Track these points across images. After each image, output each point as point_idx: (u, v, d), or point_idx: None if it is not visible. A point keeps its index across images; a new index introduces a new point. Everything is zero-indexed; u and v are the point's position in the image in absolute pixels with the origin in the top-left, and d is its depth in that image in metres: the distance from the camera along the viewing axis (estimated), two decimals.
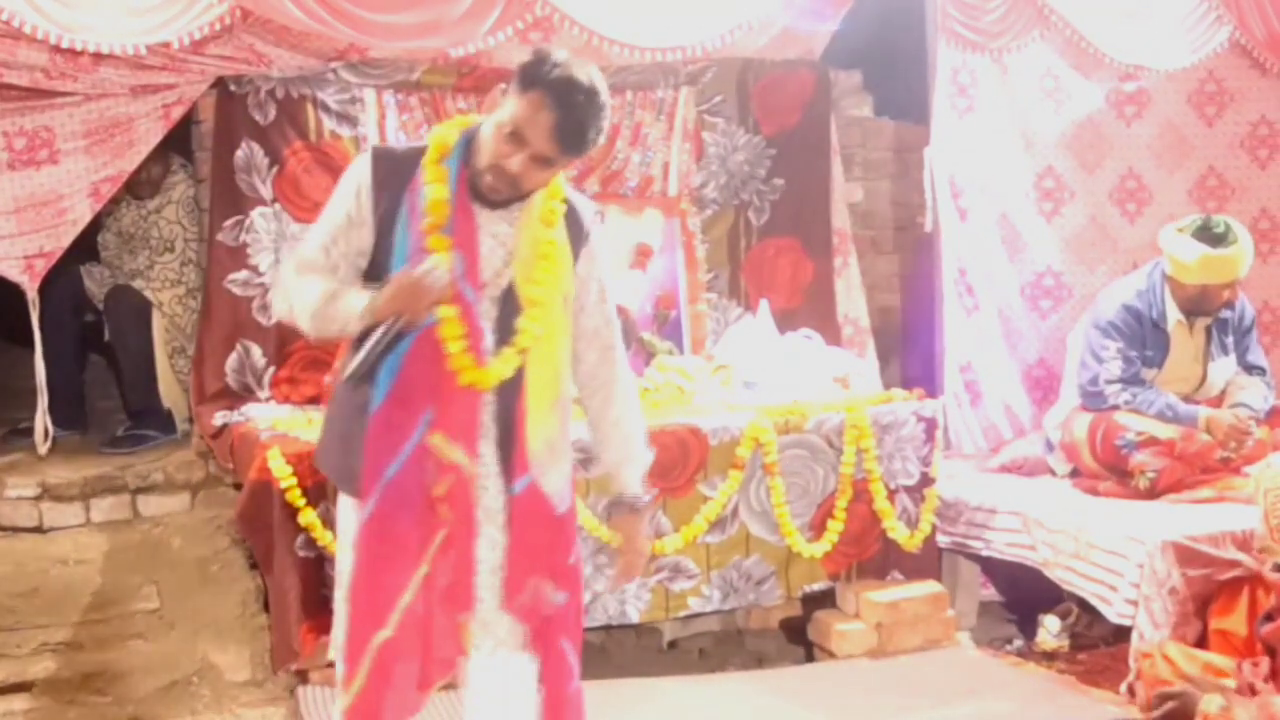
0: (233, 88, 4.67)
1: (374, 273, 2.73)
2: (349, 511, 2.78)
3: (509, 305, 2.73)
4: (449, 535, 2.70)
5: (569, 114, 2.57)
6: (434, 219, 2.67)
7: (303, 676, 4.07)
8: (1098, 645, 4.54)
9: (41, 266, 4.54)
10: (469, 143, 2.71)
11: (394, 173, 2.71)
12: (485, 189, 2.68)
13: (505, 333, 2.72)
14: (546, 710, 2.83)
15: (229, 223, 4.69)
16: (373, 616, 2.68)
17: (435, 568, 2.71)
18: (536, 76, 2.58)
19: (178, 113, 4.59)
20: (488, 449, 2.75)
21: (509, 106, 2.61)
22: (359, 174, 2.75)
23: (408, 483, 2.67)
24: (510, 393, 2.73)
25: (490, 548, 2.76)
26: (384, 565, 2.68)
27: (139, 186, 4.99)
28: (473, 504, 2.72)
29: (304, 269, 2.76)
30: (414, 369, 2.66)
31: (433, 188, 2.68)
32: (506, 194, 2.69)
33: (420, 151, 2.74)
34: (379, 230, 2.72)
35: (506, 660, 2.82)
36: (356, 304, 2.66)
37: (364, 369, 2.65)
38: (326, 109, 4.76)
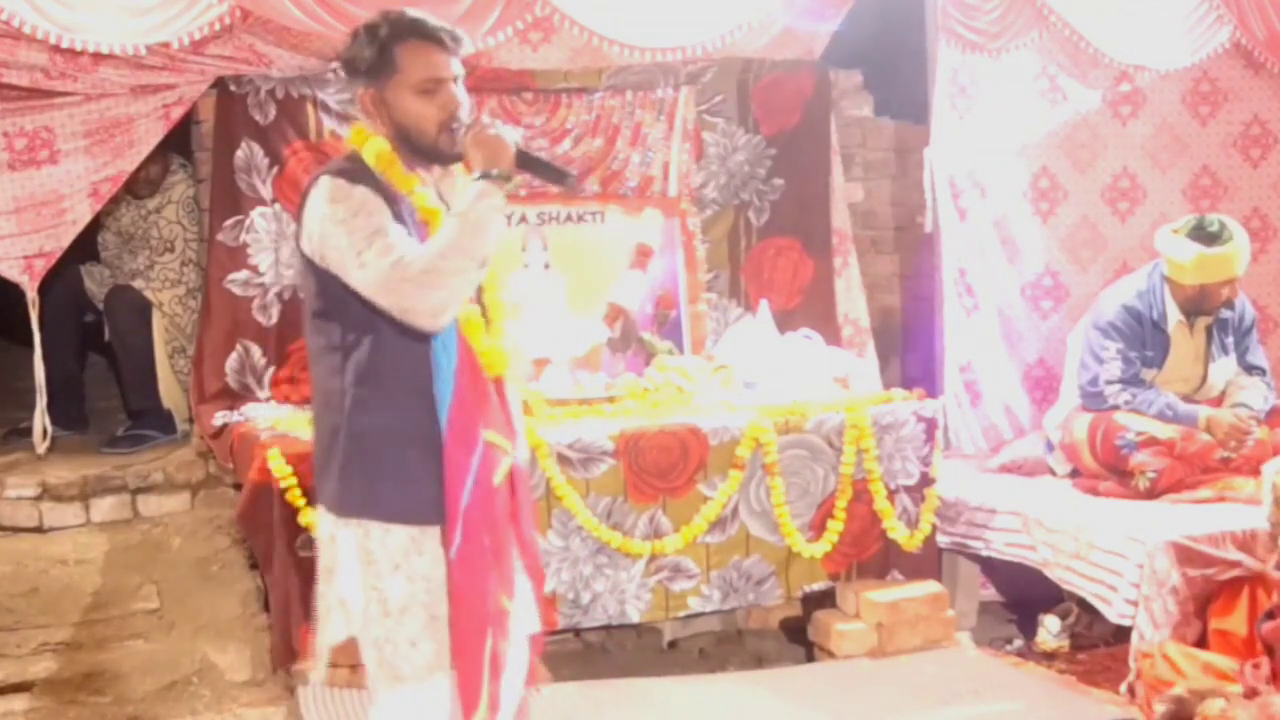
0: (233, 88, 4.67)
1: None
2: (390, 538, 2.65)
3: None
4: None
5: (435, 30, 2.66)
6: (435, 223, 2.66)
7: (303, 676, 4.07)
8: (1098, 645, 4.55)
9: (41, 266, 4.55)
10: (405, 140, 2.68)
11: (375, 185, 2.65)
12: (449, 147, 2.67)
13: (485, 310, 2.74)
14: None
15: (229, 223, 4.70)
16: (482, 629, 2.65)
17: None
18: (388, 38, 2.64)
19: (178, 113, 4.60)
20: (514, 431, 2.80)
21: (399, 78, 2.64)
22: (356, 190, 2.60)
23: (482, 491, 2.65)
24: None
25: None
26: (483, 580, 2.66)
27: (139, 186, 4.99)
28: (517, 490, 2.76)
29: (417, 256, 2.57)
30: (464, 378, 2.64)
31: (418, 195, 2.68)
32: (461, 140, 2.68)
33: (364, 165, 2.66)
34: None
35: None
36: (473, 190, 2.58)
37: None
38: (326, 109, 4.76)
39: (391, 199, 2.63)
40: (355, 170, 2.66)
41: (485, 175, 2.60)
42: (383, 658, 2.66)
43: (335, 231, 2.58)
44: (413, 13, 2.68)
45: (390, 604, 2.64)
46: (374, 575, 2.65)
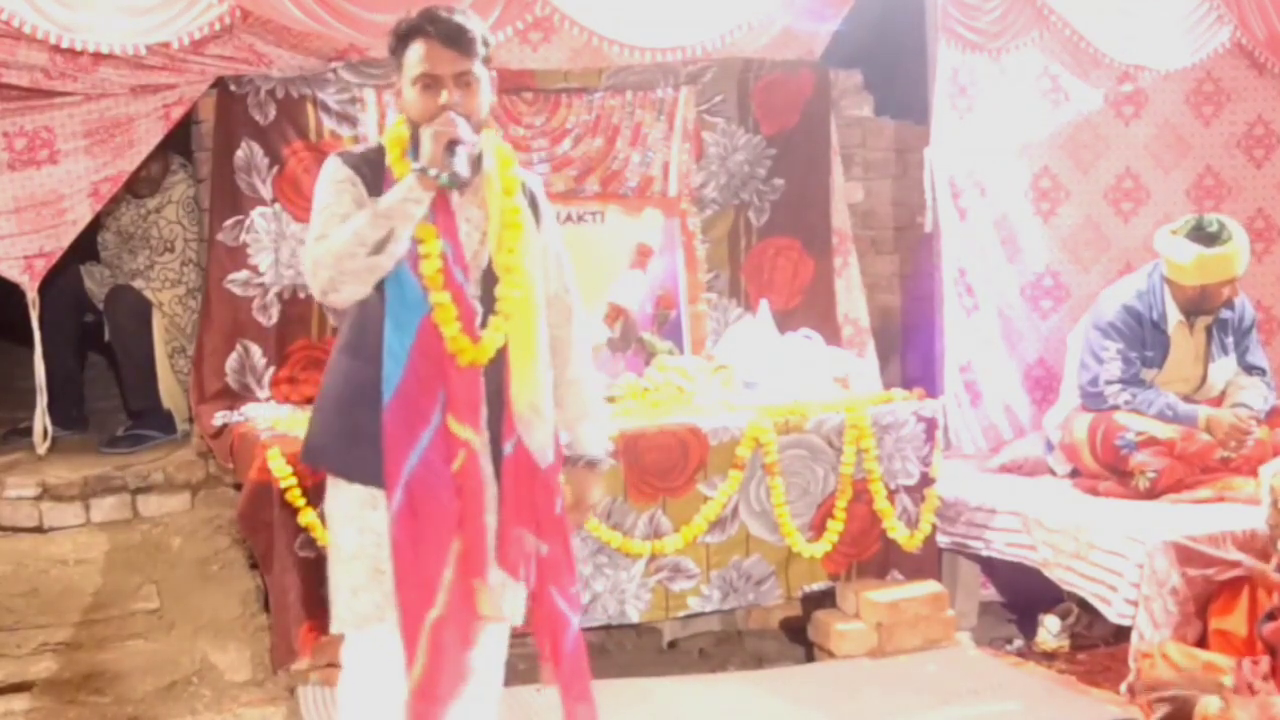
0: (233, 88, 4.67)
1: None
2: (350, 493, 2.85)
3: (489, 278, 2.85)
4: (464, 507, 2.80)
5: (443, 26, 2.78)
6: None
7: (303, 676, 4.07)
8: (1098, 645, 4.55)
9: (41, 266, 4.55)
10: (414, 131, 2.83)
11: (369, 170, 2.83)
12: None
13: (490, 304, 2.84)
14: (545, 655, 2.96)
15: (229, 223, 4.70)
16: (423, 598, 2.77)
17: (462, 541, 2.81)
18: (401, 34, 2.82)
19: (178, 113, 4.60)
20: (485, 421, 2.85)
21: (403, 73, 2.82)
22: (342, 171, 2.84)
23: (434, 464, 2.77)
24: (497, 360, 2.84)
25: (492, 515, 2.86)
26: (424, 548, 2.77)
27: (139, 185, 4.99)
28: (481, 476, 2.82)
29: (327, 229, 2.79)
30: (421, 356, 2.76)
31: None
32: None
33: (378, 151, 2.88)
34: None
35: (489, 630, 2.93)
36: (404, 183, 2.73)
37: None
38: (326, 109, 4.76)
39: (379, 183, 2.80)
40: (360, 153, 2.89)
41: (423, 171, 2.71)
42: (333, 600, 2.88)
43: (315, 200, 2.86)
44: (440, 11, 2.80)
45: (341, 551, 2.84)
46: (332, 523, 2.87)
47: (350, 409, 2.84)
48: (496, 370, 2.84)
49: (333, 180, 2.83)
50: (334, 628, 2.90)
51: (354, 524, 2.83)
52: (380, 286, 2.77)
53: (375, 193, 2.79)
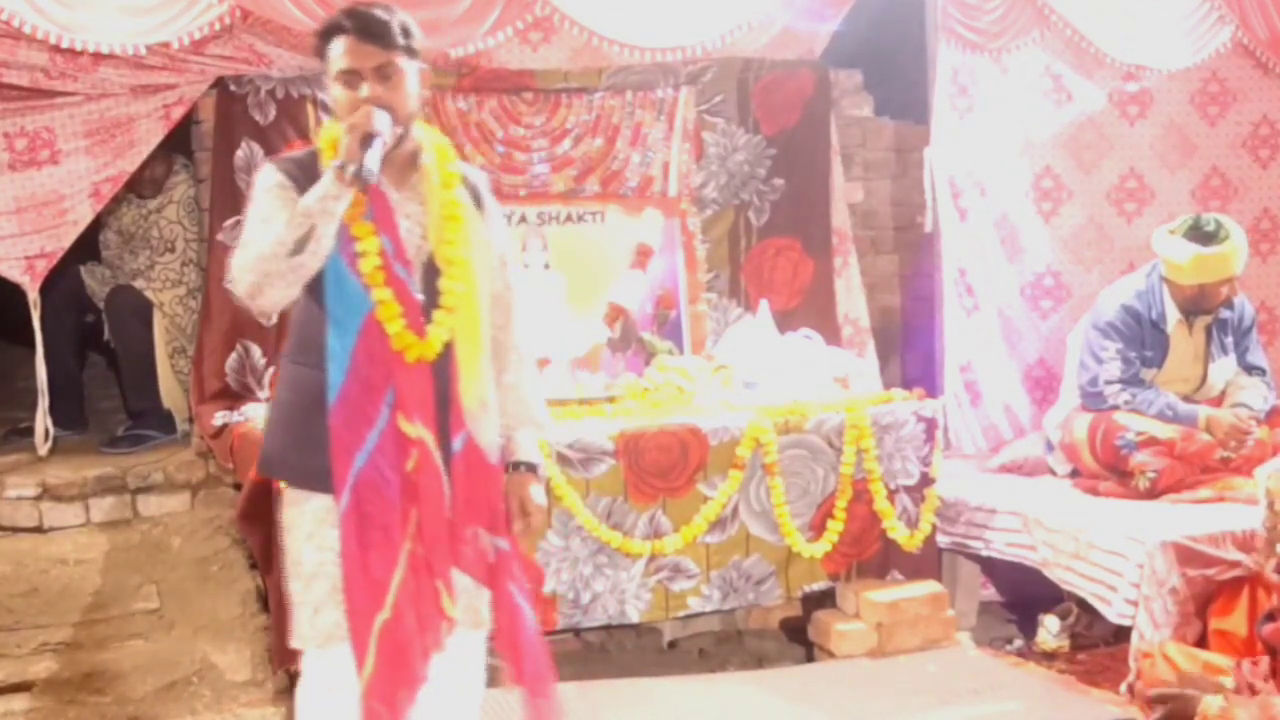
0: (233, 88, 4.67)
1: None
2: (307, 506, 2.82)
3: (432, 273, 2.83)
4: (421, 510, 2.77)
5: (359, 20, 2.76)
6: (354, 208, 2.74)
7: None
8: (1098, 645, 4.54)
9: (42, 267, 4.55)
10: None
11: (303, 174, 2.78)
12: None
13: (434, 299, 2.81)
14: (505, 654, 2.93)
15: (229, 223, 4.69)
16: (370, 601, 2.74)
17: (415, 544, 2.78)
18: (322, 33, 2.80)
19: (178, 113, 4.60)
20: (436, 418, 2.82)
21: (330, 69, 2.78)
22: (274, 178, 2.80)
23: (381, 466, 2.74)
24: (443, 356, 2.82)
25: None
26: (372, 550, 2.74)
27: (141, 185, 5.00)
28: (439, 474, 2.79)
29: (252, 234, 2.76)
30: (364, 356, 2.75)
31: None
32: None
33: (312, 155, 2.84)
34: None
35: (462, 635, 2.90)
36: (322, 181, 2.68)
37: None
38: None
39: (312, 184, 2.74)
40: (295, 161, 2.85)
41: (340, 167, 2.67)
42: (294, 618, 2.84)
43: (249, 208, 2.82)
44: (354, 9, 2.79)
45: (302, 568, 2.81)
46: (292, 539, 2.83)
47: (299, 416, 2.81)
48: (443, 364, 2.82)
49: (264, 188, 2.80)
50: (295, 644, 2.87)
51: (313, 541, 2.80)
52: (321, 290, 2.74)
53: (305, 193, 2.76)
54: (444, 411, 2.81)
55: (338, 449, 2.73)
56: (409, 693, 2.77)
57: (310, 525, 2.80)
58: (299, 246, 2.65)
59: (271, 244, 2.66)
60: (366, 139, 2.67)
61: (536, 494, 3.02)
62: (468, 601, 2.88)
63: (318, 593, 2.79)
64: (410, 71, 2.80)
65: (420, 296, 2.79)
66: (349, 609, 2.75)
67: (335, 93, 2.79)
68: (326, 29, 2.79)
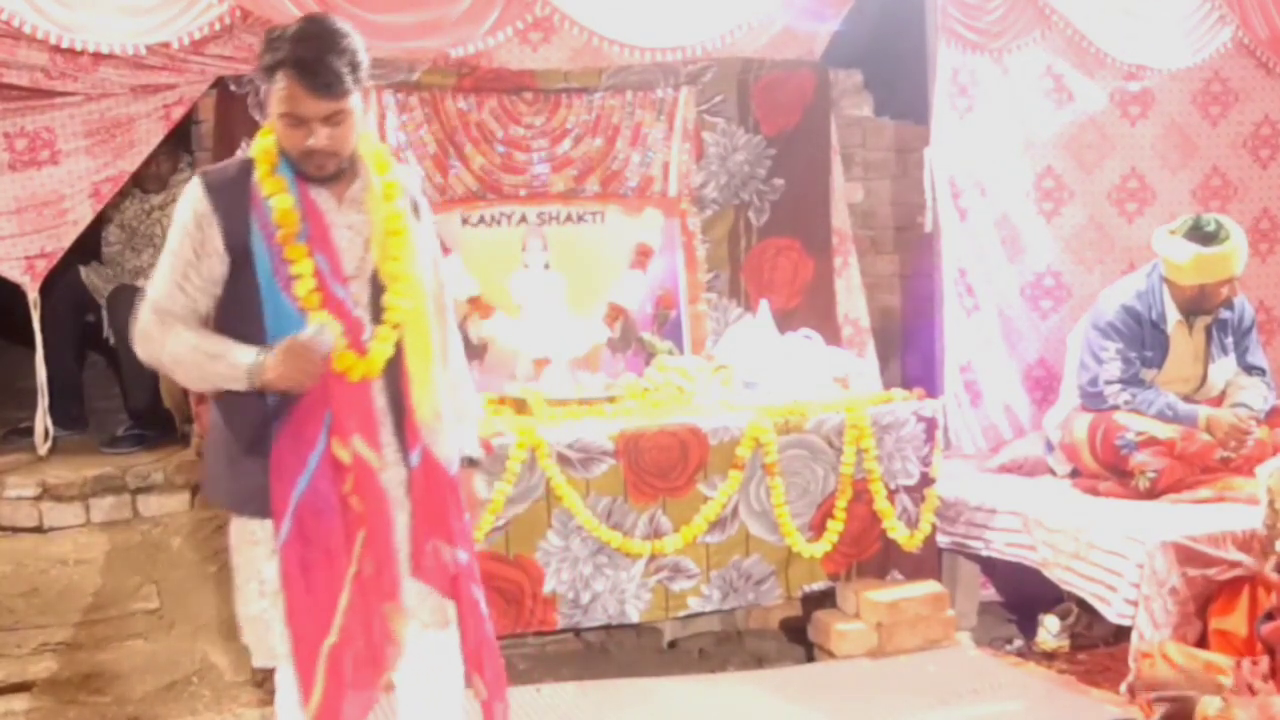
0: (233, 88, 4.67)
1: (239, 295, 2.75)
2: (251, 532, 2.79)
3: (375, 287, 2.79)
4: (367, 532, 2.75)
5: (309, 70, 2.62)
6: (287, 229, 2.71)
7: None
8: (1098, 645, 4.54)
9: (43, 267, 4.55)
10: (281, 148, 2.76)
11: (230, 193, 2.73)
12: (315, 172, 2.73)
13: (377, 313, 2.79)
14: (466, 651, 2.90)
15: None
16: (316, 626, 2.71)
17: (362, 564, 2.76)
18: (269, 62, 2.67)
19: (178, 113, 4.60)
20: (386, 435, 2.80)
21: (273, 99, 2.69)
22: (196, 204, 2.74)
23: (322, 489, 2.71)
24: (394, 370, 2.79)
25: (403, 528, 2.83)
26: (316, 575, 2.71)
27: (147, 181, 5.02)
28: (382, 494, 2.77)
29: (166, 317, 2.75)
30: None
31: (277, 199, 2.72)
32: (336, 166, 2.73)
33: (248, 164, 2.77)
34: (233, 255, 2.74)
35: (433, 640, 2.89)
36: (237, 367, 2.68)
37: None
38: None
39: (250, 206, 2.71)
40: (226, 175, 2.78)
41: (255, 375, 2.66)
42: (259, 636, 2.80)
43: (171, 229, 2.80)
44: (308, 44, 2.65)
45: (266, 586, 2.76)
46: (256, 557, 2.78)
47: (236, 441, 2.77)
48: (394, 378, 2.79)
49: (184, 221, 2.75)
50: (266, 662, 2.85)
51: (276, 558, 2.74)
52: (256, 312, 2.71)
53: (234, 214, 2.71)
54: (401, 427, 2.79)
55: (278, 473, 2.69)
56: (360, 718, 2.75)
57: (274, 543, 2.75)
58: (193, 382, 2.75)
59: (172, 369, 2.75)
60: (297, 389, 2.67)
61: (479, 487, 3.07)
62: (433, 603, 2.87)
63: (271, 612, 2.77)
64: (358, 109, 2.71)
65: (360, 313, 2.76)
66: (293, 635, 2.72)
67: (276, 124, 2.70)
68: (271, 64, 2.66)
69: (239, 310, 2.74)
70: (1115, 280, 5.16)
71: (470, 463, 3.03)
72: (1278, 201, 5.77)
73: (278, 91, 2.66)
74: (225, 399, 2.78)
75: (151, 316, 2.76)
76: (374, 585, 2.76)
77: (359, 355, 2.74)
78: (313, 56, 2.63)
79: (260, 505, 2.73)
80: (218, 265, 2.74)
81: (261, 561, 2.77)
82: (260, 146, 2.77)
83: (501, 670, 2.97)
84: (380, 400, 2.79)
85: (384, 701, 2.94)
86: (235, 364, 2.68)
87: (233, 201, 2.72)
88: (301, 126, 2.67)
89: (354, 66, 2.67)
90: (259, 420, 2.72)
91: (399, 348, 2.79)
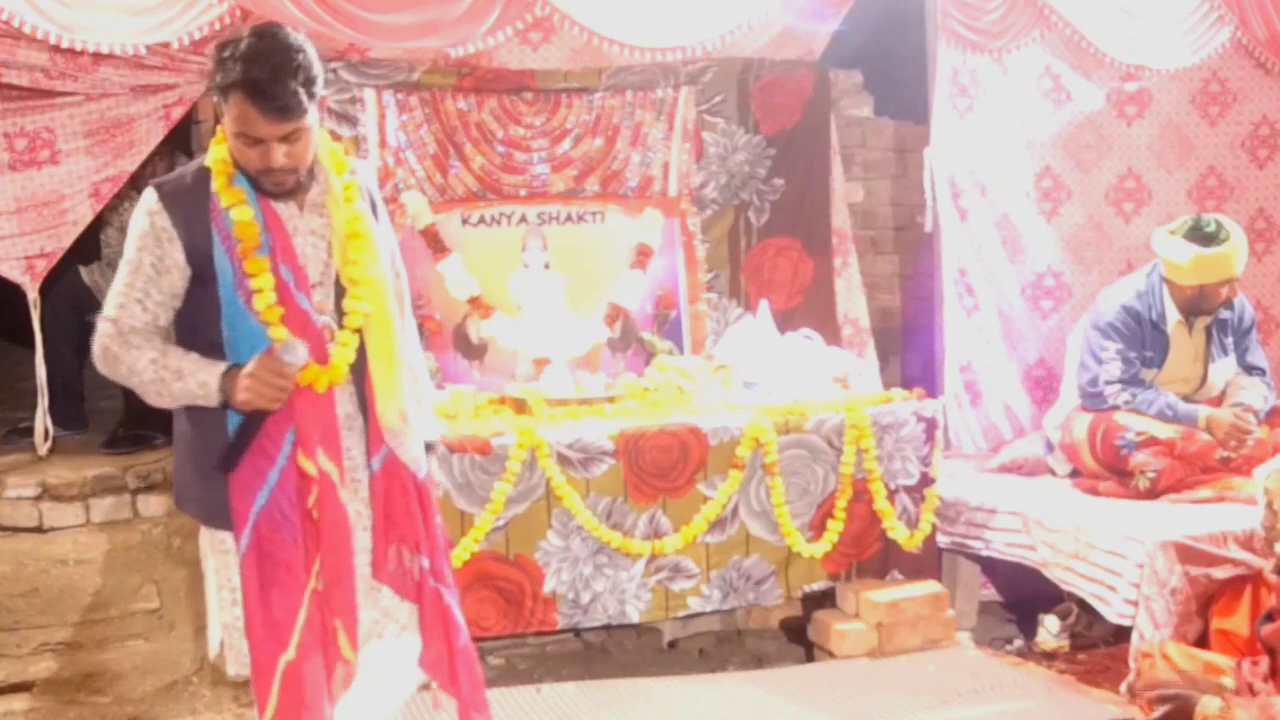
0: None
1: (199, 307, 2.71)
2: (221, 540, 2.76)
3: (339, 290, 2.76)
4: (326, 545, 2.72)
5: (263, 95, 2.56)
6: (247, 242, 2.67)
7: None
8: (1098, 645, 4.55)
9: (42, 267, 4.55)
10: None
11: (189, 205, 2.69)
12: (274, 189, 2.69)
13: (340, 317, 2.75)
14: (437, 669, 2.86)
15: None
16: (273, 641, 2.69)
17: (321, 579, 2.73)
18: (221, 82, 2.60)
19: (178, 113, 4.60)
20: (350, 440, 2.77)
21: (227, 118, 2.63)
22: (153, 218, 2.69)
23: (282, 504, 2.69)
24: (358, 374, 2.76)
25: (366, 531, 2.80)
26: (274, 590, 2.69)
27: (143, 183, 4.99)
28: (342, 509, 2.74)
29: (127, 333, 2.71)
30: None
31: (236, 210, 2.68)
32: (294, 182, 2.70)
33: (204, 172, 2.72)
34: (194, 268, 2.70)
35: (406, 642, 2.88)
36: (206, 386, 2.64)
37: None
38: (327, 109, 4.76)
39: (207, 216, 2.67)
40: (181, 185, 2.72)
41: (225, 394, 2.63)
42: (231, 642, 2.78)
43: (127, 241, 2.73)
44: (261, 64, 2.56)
45: (238, 594, 2.73)
46: (227, 565, 2.75)
47: (201, 449, 2.73)
48: (359, 382, 2.76)
49: (140, 233, 2.69)
50: (231, 670, 2.83)
51: (234, 570, 2.73)
52: (216, 322, 2.67)
53: (194, 227, 2.66)
54: (362, 431, 2.77)
55: (237, 487, 2.67)
56: None
57: (227, 564, 2.76)
58: (157, 400, 2.70)
59: (134, 385, 2.71)
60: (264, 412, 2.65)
61: (435, 473, 3.05)
62: (411, 609, 2.84)
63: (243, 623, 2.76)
64: (315, 123, 2.66)
65: (324, 320, 2.73)
66: (252, 650, 2.69)
67: (231, 137, 2.64)
68: (224, 84, 2.58)
69: (198, 321, 2.71)
70: (1113, 280, 5.16)
71: (428, 448, 2.97)
72: (1274, 201, 5.78)
73: (231, 110, 2.60)
74: (191, 411, 2.74)
75: (112, 332, 2.72)
76: (325, 598, 2.73)
77: (321, 366, 2.70)
78: (266, 79, 2.56)
79: (227, 517, 2.70)
80: (178, 279, 2.70)
81: (233, 569, 2.74)
82: (216, 155, 2.71)
83: (479, 679, 2.93)
84: (344, 406, 2.76)
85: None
86: (204, 383, 2.64)
87: (191, 213, 2.68)
88: (257, 145, 2.62)
89: (309, 83, 2.60)
90: (224, 433, 2.68)
91: (361, 352, 2.75)
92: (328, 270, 2.76)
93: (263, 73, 2.56)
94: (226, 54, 2.60)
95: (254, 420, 2.65)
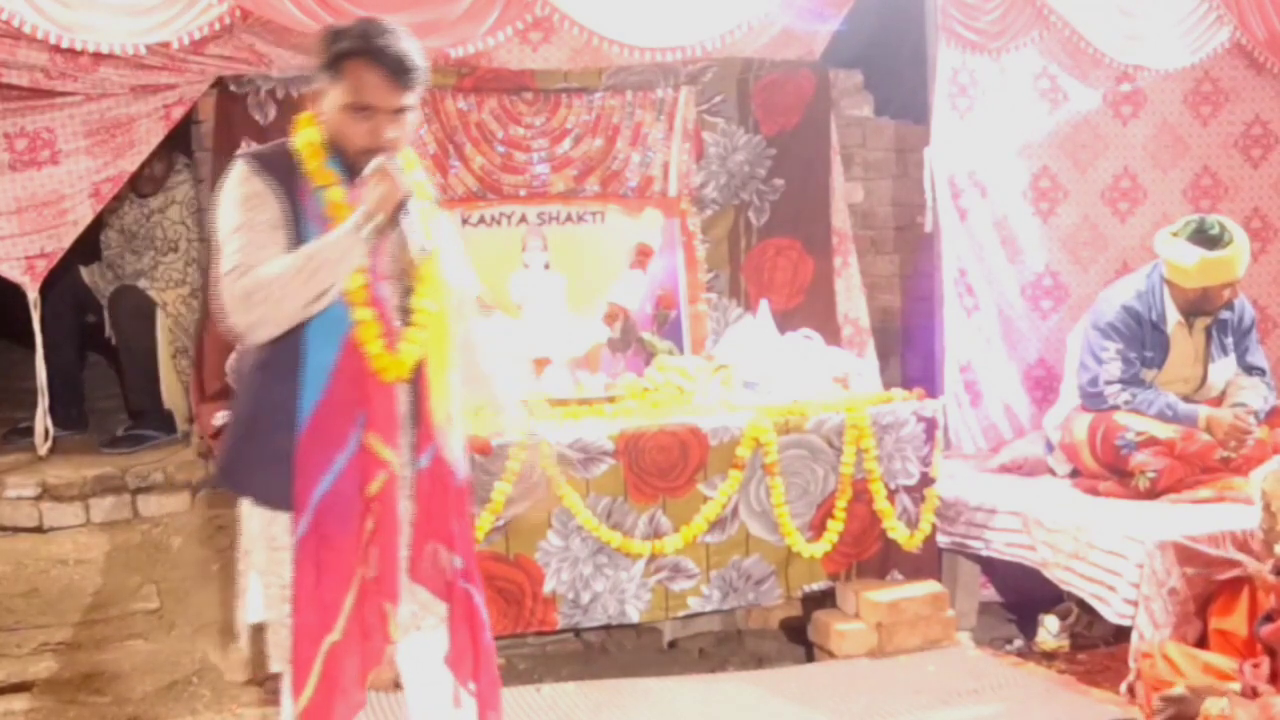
0: (233, 88, 4.67)
1: None
2: (274, 537, 2.74)
3: (404, 288, 2.78)
4: (375, 530, 2.73)
5: (390, 57, 2.64)
6: (340, 222, 2.67)
7: None
8: (1098, 645, 4.55)
9: (43, 267, 4.55)
10: (332, 143, 2.72)
11: (281, 176, 2.70)
12: (363, 169, 2.69)
13: (406, 316, 2.77)
14: (459, 666, 2.87)
15: None
16: (320, 623, 2.70)
17: (370, 567, 2.75)
18: (343, 50, 2.66)
19: (178, 113, 4.60)
20: (403, 436, 2.79)
21: (338, 90, 2.66)
22: (254, 182, 2.68)
23: (344, 489, 2.70)
24: (414, 373, 2.78)
25: (409, 527, 2.82)
26: (327, 574, 2.70)
27: (142, 183, 5.01)
28: (397, 499, 2.76)
29: (258, 266, 2.63)
30: (344, 375, 2.69)
31: (330, 191, 2.70)
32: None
33: (291, 153, 2.73)
34: (286, 235, 2.69)
35: (441, 637, 2.89)
36: (345, 232, 2.62)
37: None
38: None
39: (298, 193, 2.68)
40: (271, 159, 2.73)
41: (364, 226, 2.62)
42: (278, 640, 2.75)
43: (223, 215, 2.70)
44: (383, 36, 2.66)
45: (288, 590, 2.72)
46: (278, 561, 2.73)
47: (265, 430, 2.73)
48: (414, 381, 2.78)
49: (244, 196, 2.68)
50: (274, 666, 2.81)
51: (287, 566, 2.72)
52: None
53: (290, 200, 2.68)
54: (415, 429, 2.79)
55: (303, 468, 2.67)
56: (347, 718, 2.74)
57: (277, 544, 2.74)
58: (318, 298, 2.62)
59: (285, 290, 2.59)
60: (400, 207, 2.65)
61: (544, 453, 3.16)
62: (425, 597, 2.85)
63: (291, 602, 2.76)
64: (416, 106, 2.74)
65: (395, 314, 2.75)
66: (296, 630, 2.70)
67: (336, 116, 2.67)
68: (347, 50, 2.65)
69: None
70: (1110, 280, 5.17)
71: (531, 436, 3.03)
72: (1268, 201, 5.78)
73: (348, 81, 2.64)
74: (259, 392, 2.74)
75: (242, 271, 2.62)
76: (374, 584, 2.75)
77: (393, 356, 2.72)
78: (393, 47, 2.65)
79: (284, 499, 2.70)
80: (283, 239, 2.68)
81: (285, 565, 2.73)
82: (305, 139, 2.74)
83: (496, 679, 2.96)
84: (402, 403, 2.78)
85: (389, 700, 2.91)
86: (343, 231, 2.61)
87: (282, 184, 2.69)
88: (369, 119, 2.66)
89: (425, 65, 2.71)
90: (293, 414, 2.67)
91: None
92: (395, 266, 2.77)
93: (389, 42, 2.65)
94: (340, 30, 2.69)
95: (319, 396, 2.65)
